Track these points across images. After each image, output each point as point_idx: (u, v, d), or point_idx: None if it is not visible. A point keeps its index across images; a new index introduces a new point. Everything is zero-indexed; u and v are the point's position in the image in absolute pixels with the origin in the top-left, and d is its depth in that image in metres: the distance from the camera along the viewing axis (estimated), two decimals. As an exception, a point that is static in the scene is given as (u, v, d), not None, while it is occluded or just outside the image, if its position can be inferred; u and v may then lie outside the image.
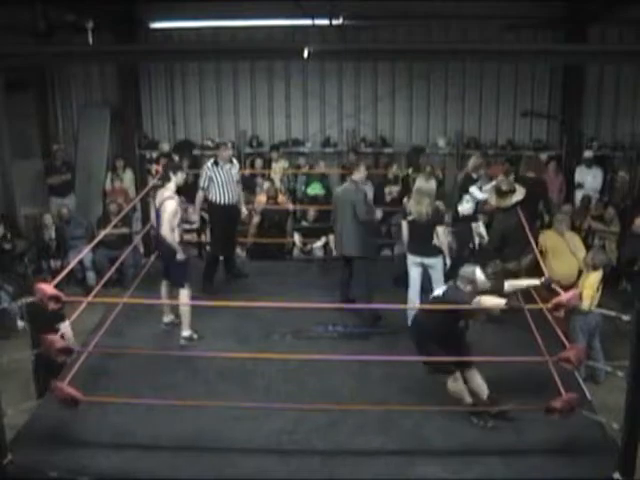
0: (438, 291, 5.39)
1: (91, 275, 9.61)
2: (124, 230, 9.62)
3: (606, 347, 7.02)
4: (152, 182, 7.72)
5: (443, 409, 5.19)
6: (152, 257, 7.85)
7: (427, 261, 6.66)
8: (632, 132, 10.95)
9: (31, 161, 11.28)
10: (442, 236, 6.66)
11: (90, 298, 6.26)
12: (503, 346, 5.82)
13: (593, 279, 6.72)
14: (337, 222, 7.10)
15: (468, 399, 5.21)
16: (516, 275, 6.23)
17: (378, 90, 11.32)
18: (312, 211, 9.61)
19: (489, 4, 10.12)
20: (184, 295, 6.47)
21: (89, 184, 11.25)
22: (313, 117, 11.53)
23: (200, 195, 7.72)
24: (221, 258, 7.99)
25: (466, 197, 7.51)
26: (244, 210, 8.15)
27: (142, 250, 9.29)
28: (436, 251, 6.66)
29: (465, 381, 5.25)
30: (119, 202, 9.84)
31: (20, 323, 8.12)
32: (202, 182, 7.68)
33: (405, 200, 7.11)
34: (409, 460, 4.84)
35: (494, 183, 7.23)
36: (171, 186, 6.53)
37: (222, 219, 7.70)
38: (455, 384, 5.20)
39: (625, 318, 4.57)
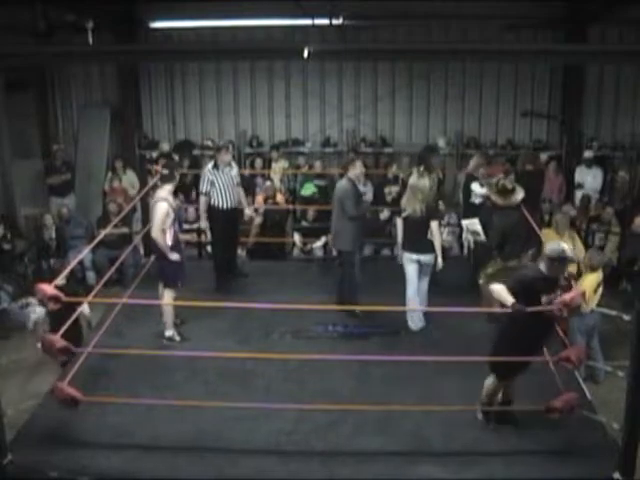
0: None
1: (91, 275, 9.62)
2: (124, 230, 9.62)
3: (606, 347, 7.02)
4: (152, 182, 7.70)
5: (443, 409, 5.18)
6: (152, 257, 7.84)
7: (423, 258, 6.70)
8: (632, 132, 10.95)
9: (31, 161, 11.28)
10: (436, 232, 6.68)
11: (90, 298, 6.28)
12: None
13: (591, 280, 6.72)
14: (332, 218, 7.21)
15: (496, 400, 5.17)
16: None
17: (378, 90, 11.32)
18: (311, 211, 9.61)
19: (489, 4, 10.12)
20: (168, 296, 6.48)
21: (89, 184, 11.24)
22: (313, 117, 11.52)
23: (203, 200, 7.64)
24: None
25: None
26: (247, 211, 8.11)
27: (142, 250, 9.28)
28: (432, 248, 6.69)
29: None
30: (119, 202, 9.84)
31: (30, 325, 8.10)
32: (204, 187, 7.59)
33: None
34: (409, 460, 4.84)
35: (495, 179, 7.25)
36: (169, 187, 6.52)
37: (223, 222, 7.66)
38: (496, 384, 5.09)
39: (626, 318, 4.57)
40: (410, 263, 6.74)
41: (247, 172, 10.39)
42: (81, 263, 9.21)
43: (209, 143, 11.44)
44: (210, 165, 7.70)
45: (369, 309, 6.63)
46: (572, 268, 7.43)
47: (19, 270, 9.23)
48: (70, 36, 9.37)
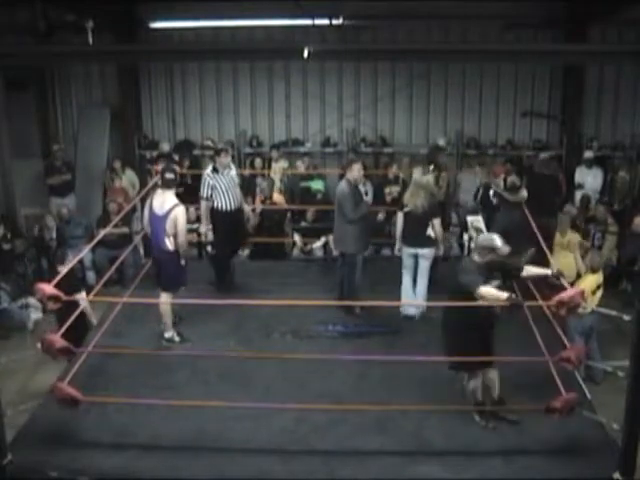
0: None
1: (91, 275, 9.63)
2: (124, 230, 9.62)
3: (606, 347, 7.03)
4: (152, 182, 7.69)
5: (443, 409, 5.18)
6: (150, 261, 7.83)
7: (420, 251, 6.90)
8: (632, 132, 10.96)
9: (31, 161, 11.28)
10: (438, 228, 6.85)
11: (90, 298, 6.28)
12: (503, 346, 5.80)
13: (590, 281, 6.72)
14: (334, 220, 7.24)
15: (480, 397, 5.20)
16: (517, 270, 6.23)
17: (378, 90, 11.33)
18: (312, 211, 9.62)
19: (489, 4, 10.13)
20: (164, 297, 6.40)
21: (89, 184, 11.25)
22: (313, 117, 11.53)
23: (204, 205, 7.56)
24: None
25: None
26: (247, 209, 8.04)
27: (142, 250, 9.29)
28: (429, 242, 6.87)
29: (482, 379, 5.22)
30: (119, 201, 9.85)
31: (30, 325, 8.14)
32: (204, 191, 7.51)
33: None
34: (409, 460, 4.84)
35: (501, 178, 7.41)
36: (173, 192, 6.43)
37: (227, 224, 7.58)
38: (475, 381, 5.17)
39: (626, 318, 4.57)
40: (408, 257, 7.00)
41: (247, 172, 10.38)
42: (81, 263, 9.22)
43: (209, 143, 11.44)
44: (209, 169, 7.62)
45: (369, 304, 6.66)
46: (569, 268, 7.44)
47: (19, 270, 9.23)
48: (70, 36, 9.37)
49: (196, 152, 11.37)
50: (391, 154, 11.35)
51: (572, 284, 6.71)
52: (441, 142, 11.19)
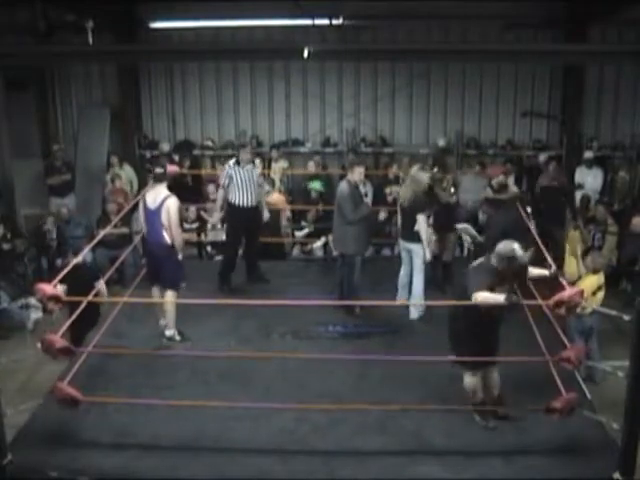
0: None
1: (91, 274, 9.61)
2: (124, 230, 9.62)
3: (606, 347, 7.03)
4: (143, 192, 7.68)
5: (443, 409, 5.18)
6: (144, 260, 7.82)
7: (409, 246, 7.00)
8: (632, 132, 10.96)
9: (31, 161, 11.27)
10: (422, 224, 6.85)
11: (90, 298, 6.27)
12: (503, 346, 5.80)
13: (591, 281, 6.72)
14: (334, 221, 7.24)
15: (479, 397, 5.19)
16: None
17: (378, 90, 11.32)
18: (312, 211, 9.62)
19: (489, 4, 10.13)
20: (170, 295, 6.40)
21: (89, 184, 11.24)
22: (313, 117, 11.53)
23: (220, 193, 7.63)
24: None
25: None
26: (266, 214, 7.99)
27: (141, 250, 9.29)
28: (417, 238, 6.88)
29: (483, 378, 5.20)
30: (119, 201, 9.84)
31: (30, 325, 8.16)
32: (222, 180, 7.58)
33: None
34: (409, 460, 4.83)
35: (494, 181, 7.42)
36: (165, 185, 6.45)
37: (239, 220, 7.57)
38: (473, 379, 5.14)
39: (626, 318, 4.57)
40: (402, 251, 7.16)
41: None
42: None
43: (209, 143, 11.45)
44: (232, 161, 7.63)
45: (369, 304, 6.66)
46: (570, 268, 7.43)
47: (19, 270, 9.23)
48: (70, 36, 9.38)
49: (196, 152, 11.37)
50: (391, 154, 11.35)
51: (572, 284, 6.72)
52: (441, 142, 11.20)
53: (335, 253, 7.58)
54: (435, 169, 7.88)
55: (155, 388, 5.59)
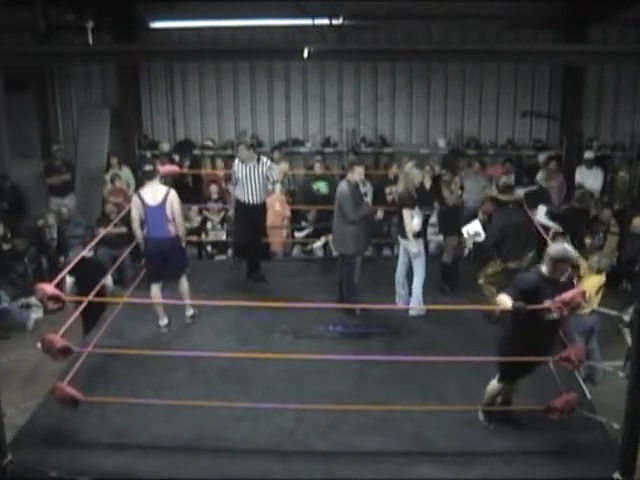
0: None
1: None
2: (123, 230, 9.61)
3: (606, 347, 7.03)
4: (135, 195, 7.68)
5: (443, 409, 5.18)
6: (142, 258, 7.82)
7: (403, 242, 7.06)
8: (632, 132, 10.97)
9: (31, 161, 11.29)
10: (406, 219, 6.90)
11: (90, 297, 6.28)
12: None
13: (593, 282, 6.72)
14: (333, 221, 7.24)
15: (496, 401, 5.18)
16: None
17: (378, 90, 11.33)
18: (313, 211, 9.62)
19: (489, 4, 10.14)
20: (183, 280, 6.76)
21: (89, 184, 11.25)
22: (313, 117, 11.53)
23: (231, 190, 7.81)
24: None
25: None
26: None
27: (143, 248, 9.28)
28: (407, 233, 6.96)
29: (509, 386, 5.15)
30: (119, 201, 9.84)
31: (30, 325, 8.18)
32: (233, 178, 7.68)
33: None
34: (409, 460, 4.84)
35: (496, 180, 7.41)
36: (158, 181, 6.69)
37: (242, 217, 7.60)
38: (499, 386, 5.07)
39: (626, 318, 4.57)
40: (400, 246, 7.22)
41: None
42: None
43: (209, 143, 11.45)
44: (237, 159, 7.65)
45: (369, 307, 6.66)
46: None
47: (19, 270, 9.23)
48: (70, 36, 9.38)
49: (196, 152, 11.37)
50: (391, 154, 11.35)
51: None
52: (441, 142, 11.22)
53: (335, 253, 7.59)
54: (444, 170, 7.90)
55: (155, 388, 5.59)
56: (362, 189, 7.85)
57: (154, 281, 6.67)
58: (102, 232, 7.67)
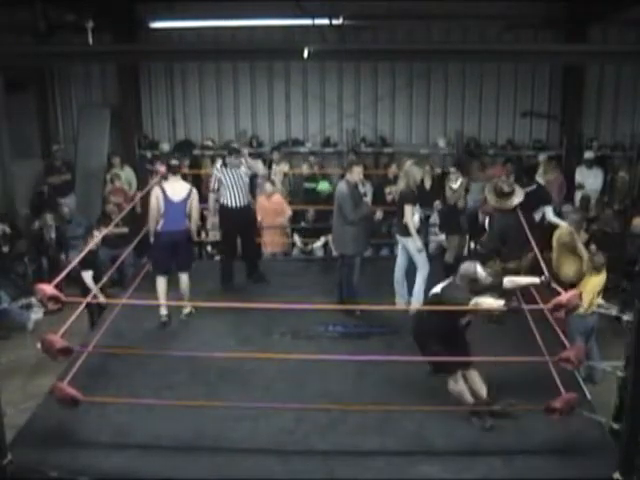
0: (437, 288, 5.34)
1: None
2: (124, 230, 9.61)
3: (606, 347, 7.03)
4: (153, 181, 7.70)
5: (443, 409, 5.18)
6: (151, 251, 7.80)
7: (402, 240, 7.03)
8: (632, 132, 10.97)
9: (31, 161, 11.29)
10: (407, 215, 6.86)
11: (90, 298, 6.28)
12: (503, 346, 5.81)
13: (594, 282, 6.71)
14: (333, 221, 7.25)
15: (469, 399, 5.21)
16: (517, 274, 6.23)
17: (378, 90, 11.33)
18: (312, 211, 9.62)
19: (489, 4, 10.14)
20: (185, 278, 6.91)
21: (89, 184, 11.25)
22: (313, 117, 11.54)
23: (211, 197, 7.69)
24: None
25: None
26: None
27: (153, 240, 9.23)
28: (407, 231, 6.90)
29: (466, 381, 5.25)
30: (119, 201, 9.84)
31: (30, 325, 8.19)
32: (212, 185, 7.65)
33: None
34: (409, 460, 4.83)
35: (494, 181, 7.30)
36: (179, 177, 7.00)
37: (230, 222, 7.57)
38: (456, 384, 5.21)
39: (625, 318, 4.57)
40: (399, 245, 7.20)
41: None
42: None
43: (209, 143, 11.45)
44: (219, 163, 7.65)
45: (369, 308, 6.63)
46: (580, 268, 7.39)
47: (19, 270, 9.23)
48: (70, 36, 9.38)
49: (196, 152, 11.37)
50: (391, 154, 11.35)
51: (573, 285, 6.71)
52: (441, 142, 11.22)
53: (335, 253, 7.59)
54: (453, 169, 7.88)
55: (155, 388, 5.59)
56: (361, 189, 7.85)
57: (160, 273, 6.84)
58: (102, 232, 7.66)
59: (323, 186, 10.07)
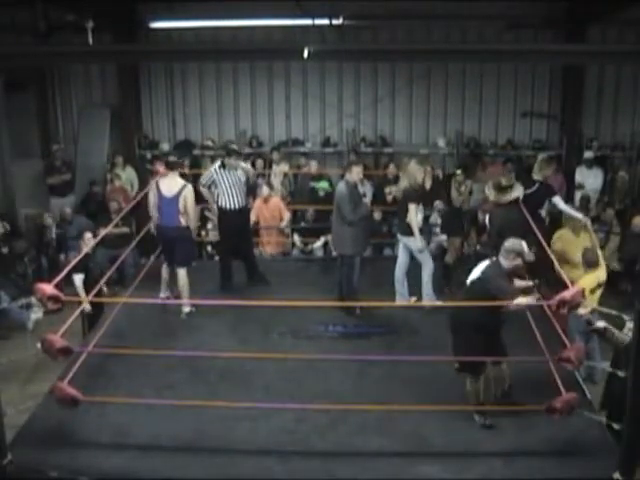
0: (477, 272, 5.17)
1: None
2: (124, 230, 9.62)
3: (606, 347, 7.01)
4: (153, 181, 7.69)
5: (443, 409, 5.18)
6: (152, 257, 7.84)
7: (404, 240, 7.00)
8: (632, 132, 10.97)
9: (31, 161, 11.28)
10: (412, 214, 6.84)
11: (90, 298, 6.28)
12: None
13: (589, 279, 6.69)
14: (332, 221, 7.25)
15: (479, 400, 5.19)
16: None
17: (378, 90, 11.33)
18: (312, 211, 9.61)
19: (489, 4, 10.15)
20: (183, 274, 6.93)
21: (89, 184, 11.24)
22: (313, 117, 11.54)
23: (205, 192, 7.65)
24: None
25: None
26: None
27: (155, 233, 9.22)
28: (409, 230, 6.88)
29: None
30: (119, 201, 9.84)
31: (30, 325, 8.19)
32: (204, 180, 7.59)
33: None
34: (409, 460, 4.83)
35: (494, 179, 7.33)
36: (177, 174, 7.01)
37: (231, 224, 7.56)
38: (476, 384, 5.15)
39: (626, 318, 4.57)
40: (400, 244, 7.16)
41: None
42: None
43: (209, 143, 11.45)
44: (217, 164, 7.64)
45: (369, 305, 6.66)
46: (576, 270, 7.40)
47: (19, 270, 9.23)
48: (70, 36, 9.38)
49: (196, 152, 11.37)
50: (391, 154, 11.35)
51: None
52: (441, 142, 11.21)
53: (334, 253, 7.58)
54: (458, 171, 7.87)
55: (155, 388, 5.59)
56: (361, 189, 7.85)
57: (167, 260, 7.13)
58: (101, 233, 7.65)
59: (323, 185, 10.07)
